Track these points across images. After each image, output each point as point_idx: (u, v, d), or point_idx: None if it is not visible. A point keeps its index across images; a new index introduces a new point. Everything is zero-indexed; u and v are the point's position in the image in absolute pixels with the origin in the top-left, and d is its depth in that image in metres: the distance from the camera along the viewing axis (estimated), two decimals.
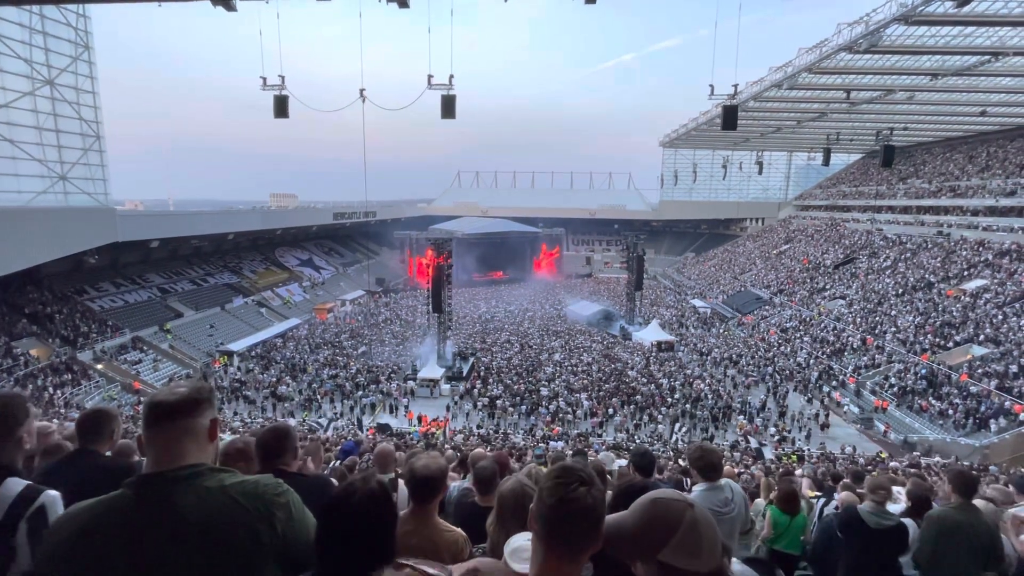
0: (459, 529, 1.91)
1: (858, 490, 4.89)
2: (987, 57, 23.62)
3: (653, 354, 28.14)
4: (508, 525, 1.68)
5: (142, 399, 21.03)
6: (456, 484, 3.37)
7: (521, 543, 1.21)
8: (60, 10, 25.18)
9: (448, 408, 21.29)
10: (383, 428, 18.44)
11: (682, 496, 1.03)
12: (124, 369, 23.79)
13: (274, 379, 23.67)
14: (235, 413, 20.23)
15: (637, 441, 17.46)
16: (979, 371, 18.98)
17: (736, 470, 8.75)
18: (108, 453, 2.32)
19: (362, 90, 15.92)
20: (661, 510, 1.00)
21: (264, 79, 14.91)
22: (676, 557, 0.96)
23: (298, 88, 15.39)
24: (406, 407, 21.56)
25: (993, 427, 16.71)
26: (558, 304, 43.15)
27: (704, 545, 0.97)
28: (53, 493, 1.65)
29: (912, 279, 28.70)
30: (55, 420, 12.87)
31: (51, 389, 20.06)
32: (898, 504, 3.82)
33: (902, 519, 3.24)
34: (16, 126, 24.18)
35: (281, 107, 14.99)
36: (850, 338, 25.50)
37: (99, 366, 23.05)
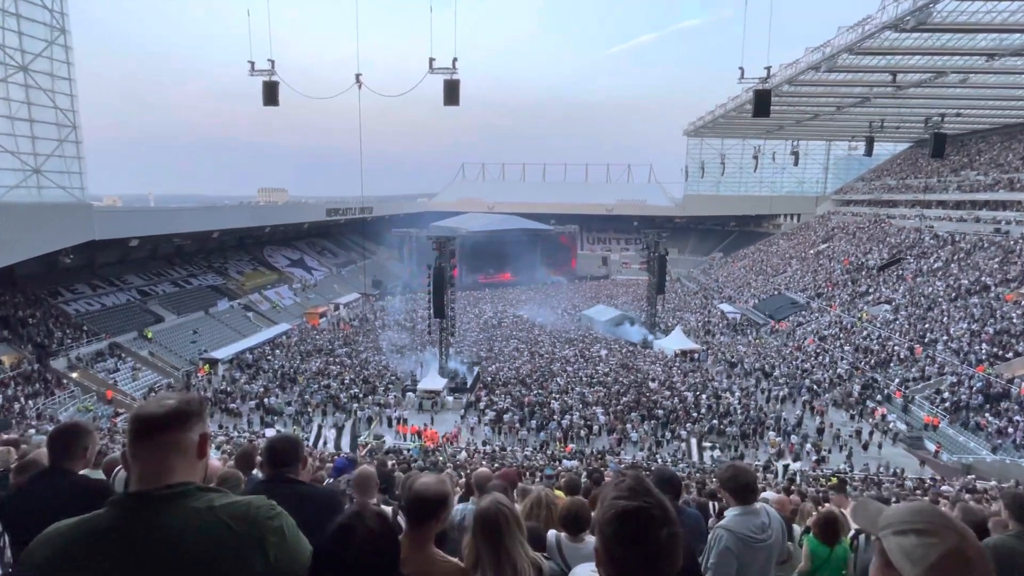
0: (456, 560, 1.92)
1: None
2: None
3: (676, 364, 27.97)
4: (480, 545, 1.72)
5: (119, 411, 21.26)
6: (460, 507, 3.37)
7: (585, 574, 1.20)
8: None
9: (458, 426, 21.22)
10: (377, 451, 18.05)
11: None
12: (100, 378, 24.08)
13: (262, 389, 23.85)
14: (220, 426, 20.39)
15: (659, 461, 17.34)
16: None
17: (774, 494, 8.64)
18: (82, 472, 2.35)
19: (358, 75, 16.05)
20: None
21: (252, 64, 15.09)
22: None
23: (289, 74, 15.57)
24: (404, 420, 21.59)
25: None
26: (571, 309, 43.05)
27: None
28: None
29: (966, 282, 28.27)
30: (30, 432, 13.08)
31: (22, 399, 20.33)
32: None
33: None
34: None
35: (271, 94, 15.14)
36: (896, 347, 25.17)
37: (74, 375, 23.34)
